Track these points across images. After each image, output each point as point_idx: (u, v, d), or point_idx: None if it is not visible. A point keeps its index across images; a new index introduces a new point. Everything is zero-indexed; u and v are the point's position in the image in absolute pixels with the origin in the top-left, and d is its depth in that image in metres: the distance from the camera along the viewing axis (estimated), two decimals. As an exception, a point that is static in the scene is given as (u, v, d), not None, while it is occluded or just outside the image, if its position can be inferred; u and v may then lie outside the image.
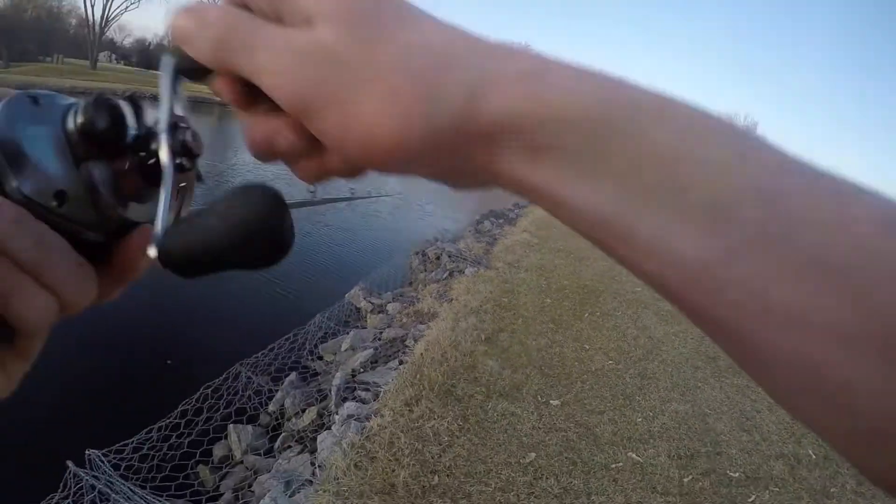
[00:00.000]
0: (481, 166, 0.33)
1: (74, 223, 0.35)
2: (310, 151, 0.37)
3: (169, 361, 6.53)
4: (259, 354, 6.23)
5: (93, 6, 75.33)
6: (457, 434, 4.34)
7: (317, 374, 6.26)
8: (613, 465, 4.36)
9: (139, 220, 0.39)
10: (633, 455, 4.55)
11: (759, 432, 5.47)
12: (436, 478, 3.94)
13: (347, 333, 6.97)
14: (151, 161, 0.37)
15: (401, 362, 5.62)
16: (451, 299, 7.41)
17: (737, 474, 4.68)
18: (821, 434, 0.29)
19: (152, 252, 0.34)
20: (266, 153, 0.37)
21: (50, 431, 5.18)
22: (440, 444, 4.22)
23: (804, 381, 0.27)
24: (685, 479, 4.43)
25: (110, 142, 0.36)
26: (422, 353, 5.49)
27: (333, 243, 13.05)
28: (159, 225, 0.35)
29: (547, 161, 0.30)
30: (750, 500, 4.40)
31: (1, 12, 63.73)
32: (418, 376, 5.01)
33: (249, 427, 5.20)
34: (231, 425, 5.17)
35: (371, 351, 6.13)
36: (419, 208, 19.71)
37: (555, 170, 0.30)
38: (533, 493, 3.97)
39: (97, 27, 67.97)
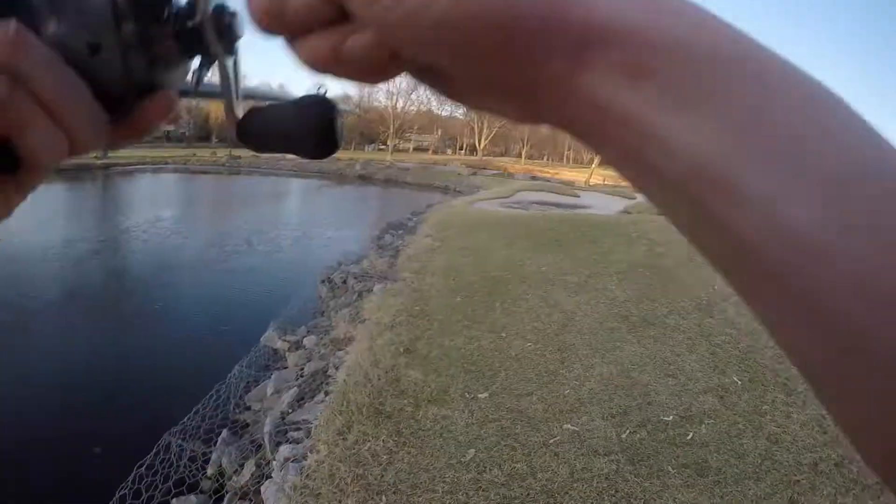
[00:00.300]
0: (555, 78, 0.27)
1: (102, 76, 0.35)
2: (328, 20, 0.30)
3: (97, 449, 6.27)
4: (185, 420, 6.06)
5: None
6: (394, 450, 4.33)
7: (247, 425, 6.13)
8: (552, 441, 4.44)
9: (164, 85, 0.39)
10: (569, 426, 4.65)
11: (684, 374, 5.68)
12: (383, 498, 3.92)
13: (270, 377, 6.85)
14: (188, 30, 0.37)
15: (326, 393, 5.57)
16: (365, 320, 7.38)
17: (670, 417, 4.85)
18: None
19: (231, 128, 0.39)
20: (273, 17, 0.31)
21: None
22: (380, 464, 4.20)
23: None
24: (623, 435, 4.56)
25: (154, 6, 0.36)
26: (345, 380, 5.46)
27: (240, 288, 12.81)
28: (234, 99, 0.40)
29: (650, 86, 0.25)
30: (688, 437, 4.56)
31: None
32: (345, 403, 4.98)
33: (192, 496, 5.01)
34: (174, 500, 5.00)
35: (295, 389, 6.04)
36: (319, 236, 19.54)
37: (658, 98, 0.25)
38: (480, 487, 4.00)
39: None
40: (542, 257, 10.70)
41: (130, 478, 5.05)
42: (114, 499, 4.85)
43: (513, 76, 0.28)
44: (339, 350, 6.77)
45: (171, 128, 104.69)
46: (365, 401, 4.96)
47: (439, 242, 12.48)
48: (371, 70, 0.31)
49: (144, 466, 5.22)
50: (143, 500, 4.89)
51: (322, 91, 0.37)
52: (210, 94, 0.47)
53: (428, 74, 0.33)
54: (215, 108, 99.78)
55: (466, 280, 9.03)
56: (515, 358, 5.99)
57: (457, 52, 0.28)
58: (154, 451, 5.45)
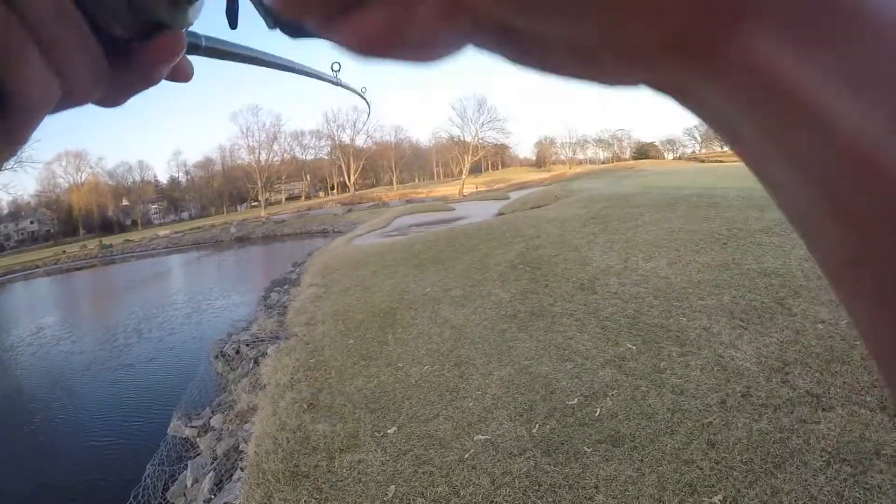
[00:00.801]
0: (701, 36, 0.21)
1: (104, 13, 0.31)
2: None
3: None
4: (110, 537, 5.83)
5: None
6: (316, 509, 4.32)
7: (175, 525, 5.95)
8: (466, 455, 4.50)
9: (170, 24, 0.35)
10: (480, 436, 4.72)
11: (579, 355, 5.89)
12: (316, 559, 3.91)
13: (186, 468, 6.67)
14: None
15: (242, 469, 5.48)
16: (264, 385, 7.28)
17: (575, 400, 5.01)
18: None
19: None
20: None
21: None
22: (307, 526, 4.18)
23: None
24: (533, 431, 4.66)
25: None
26: (255, 451, 5.37)
27: (138, 382, 12.30)
28: None
29: (820, 52, 0.20)
30: (596, 414, 4.71)
31: None
32: (260, 474, 4.89)
33: None
34: None
35: (212, 473, 5.90)
36: (208, 308, 19.13)
37: (831, 64, 0.20)
38: (407, 520, 4.04)
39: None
40: (425, 278, 10.86)
41: None
42: None
43: (634, 33, 0.22)
44: (246, 422, 6.65)
45: (34, 227, 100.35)
46: (279, 467, 4.89)
47: (324, 289, 12.46)
48: (439, 43, 0.25)
49: None
50: None
51: None
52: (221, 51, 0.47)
53: (502, 39, 0.25)
54: (77, 198, 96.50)
55: (356, 320, 9.05)
56: (416, 385, 6.04)
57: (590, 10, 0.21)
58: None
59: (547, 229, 13.35)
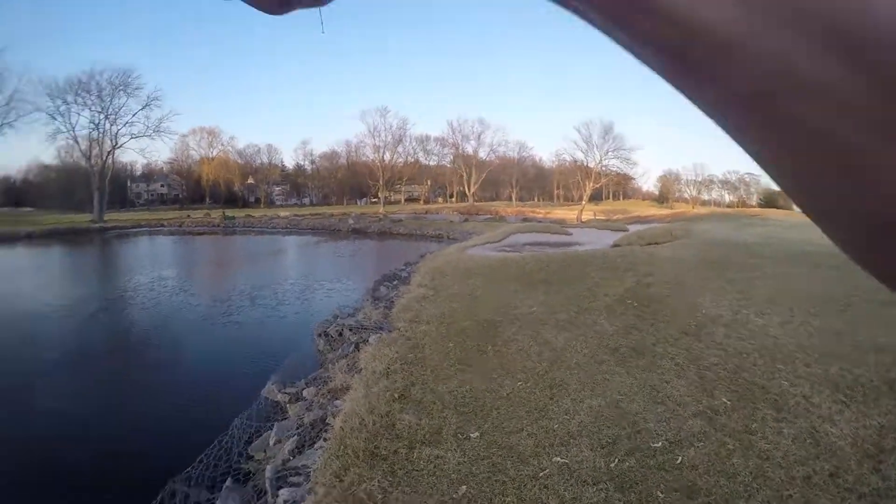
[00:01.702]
0: None
1: None
2: None
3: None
4: (190, 469, 6.13)
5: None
6: (388, 490, 4.43)
7: (251, 474, 6.19)
8: (541, 474, 4.54)
9: None
10: (558, 458, 4.75)
11: (672, 400, 5.79)
12: (377, 536, 4.04)
13: (272, 428, 6.96)
14: None
15: (325, 440, 5.69)
16: (361, 369, 7.50)
17: (659, 444, 4.94)
18: (831, 222, 0.29)
19: None
20: None
21: None
22: (375, 503, 4.31)
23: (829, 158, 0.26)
24: (611, 465, 4.65)
25: None
26: (341, 426, 5.56)
27: (243, 343, 12.99)
28: None
29: None
30: (677, 461, 4.65)
31: None
32: (342, 448, 5.08)
33: None
34: None
35: (296, 437, 6.16)
36: (317, 290, 19.73)
37: None
38: (472, 522, 4.13)
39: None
40: (533, 298, 10.87)
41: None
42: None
43: None
44: (337, 399, 6.88)
45: (163, 190, 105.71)
46: (361, 445, 5.06)
47: (432, 291, 12.65)
48: None
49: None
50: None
51: None
52: None
53: None
54: (207, 170, 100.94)
55: (459, 326, 9.17)
56: (506, 397, 6.10)
57: None
58: (159, 497, 5.52)
59: (661, 268, 13.15)
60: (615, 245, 21.71)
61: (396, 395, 6.25)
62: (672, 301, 9.66)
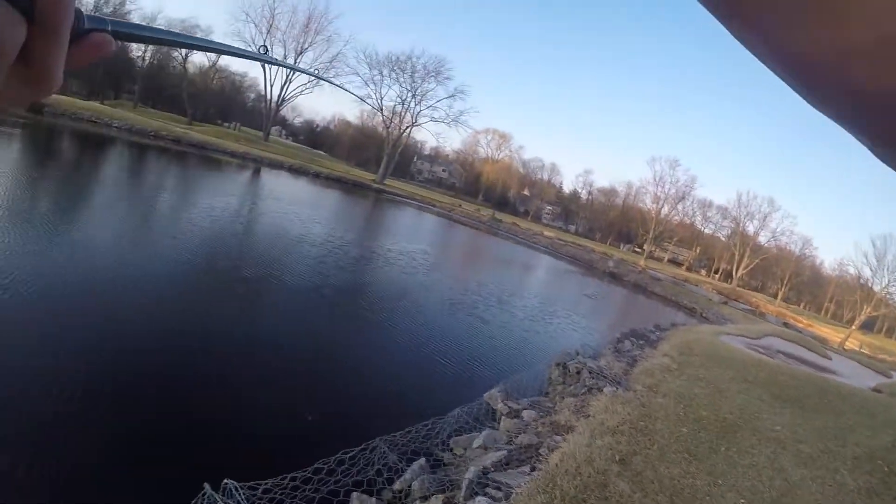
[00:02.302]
0: None
1: None
2: None
3: (310, 417, 6.89)
4: (397, 434, 6.45)
5: (272, 86, 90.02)
6: (582, 548, 4.39)
7: (444, 464, 6.36)
8: None
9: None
10: None
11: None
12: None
13: (480, 432, 7.12)
14: None
15: (533, 468, 5.74)
16: (589, 416, 7.48)
17: None
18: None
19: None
20: None
21: (195, 452, 5.62)
22: (566, 552, 4.27)
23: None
24: None
25: None
26: (556, 464, 5.58)
27: (481, 340, 13.41)
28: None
29: None
30: None
31: (191, 78, 76.22)
32: (550, 485, 5.11)
33: (373, 500, 5.30)
34: (355, 493, 5.30)
35: (504, 452, 6.28)
36: (561, 318, 19.92)
37: None
38: None
39: (273, 104, 76.56)
40: (779, 414, 10.11)
41: (334, 458, 5.52)
42: (311, 467, 5.29)
43: None
44: (557, 434, 6.92)
45: (444, 175, 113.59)
46: (570, 491, 5.06)
47: (677, 365, 12.24)
48: None
49: (349, 455, 5.66)
50: (332, 480, 5.23)
51: None
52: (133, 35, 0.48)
53: None
54: (488, 169, 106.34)
55: (697, 413, 8.80)
56: (724, 510, 5.76)
57: None
58: (362, 446, 5.87)
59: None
60: (875, 389, 19.66)
61: (617, 458, 6.17)
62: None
